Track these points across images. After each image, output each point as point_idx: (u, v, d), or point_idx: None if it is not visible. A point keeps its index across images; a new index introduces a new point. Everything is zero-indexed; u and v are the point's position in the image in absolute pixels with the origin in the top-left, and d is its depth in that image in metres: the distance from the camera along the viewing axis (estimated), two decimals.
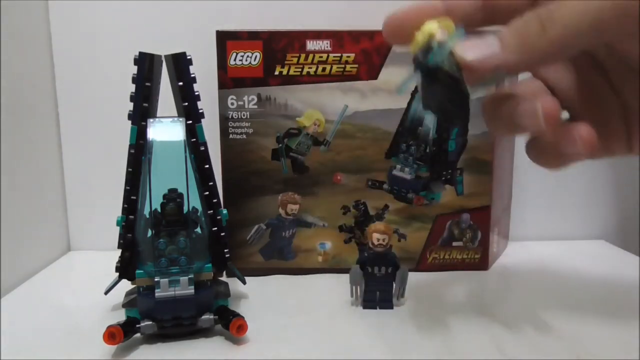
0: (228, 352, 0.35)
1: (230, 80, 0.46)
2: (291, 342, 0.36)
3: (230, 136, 0.47)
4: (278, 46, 0.46)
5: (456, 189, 0.49)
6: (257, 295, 0.44)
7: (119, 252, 0.38)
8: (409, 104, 0.47)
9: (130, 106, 0.37)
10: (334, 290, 0.44)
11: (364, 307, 0.41)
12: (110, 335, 0.33)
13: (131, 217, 0.37)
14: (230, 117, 0.47)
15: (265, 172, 0.48)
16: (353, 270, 0.41)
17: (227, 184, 0.48)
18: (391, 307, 0.41)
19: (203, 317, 0.36)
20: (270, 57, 0.46)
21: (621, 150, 0.27)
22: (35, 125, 0.53)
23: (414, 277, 0.42)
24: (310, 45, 0.46)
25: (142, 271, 0.36)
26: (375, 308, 0.41)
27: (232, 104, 0.47)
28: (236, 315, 0.35)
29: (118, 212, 0.38)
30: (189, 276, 0.35)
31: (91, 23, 0.55)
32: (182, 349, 0.35)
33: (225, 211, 0.39)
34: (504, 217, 0.55)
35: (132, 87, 0.37)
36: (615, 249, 0.58)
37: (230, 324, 0.35)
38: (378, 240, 0.40)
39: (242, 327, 0.35)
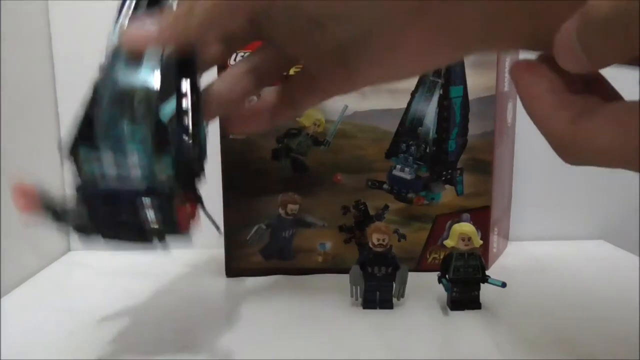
0: (228, 353, 0.35)
1: None
2: (291, 342, 0.36)
3: (230, 136, 0.47)
4: None
5: (456, 189, 0.49)
6: (257, 295, 0.44)
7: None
8: (409, 104, 0.47)
9: None
10: (334, 290, 0.44)
11: (364, 307, 0.41)
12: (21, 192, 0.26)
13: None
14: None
15: (265, 172, 0.48)
16: (353, 270, 0.41)
17: (227, 184, 0.48)
18: (391, 307, 0.41)
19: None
20: None
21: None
22: (35, 125, 0.53)
23: (414, 277, 0.42)
24: None
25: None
26: (375, 308, 0.41)
27: None
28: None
29: None
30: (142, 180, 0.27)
31: (91, 23, 0.55)
32: (182, 349, 0.35)
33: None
34: (504, 217, 0.55)
35: None
36: (615, 249, 0.58)
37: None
38: (378, 240, 0.40)
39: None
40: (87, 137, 0.27)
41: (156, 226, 0.26)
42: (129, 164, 0.26)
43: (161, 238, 0.28)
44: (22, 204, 0.27)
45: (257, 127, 0.31)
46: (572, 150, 0.19)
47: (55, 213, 0.28)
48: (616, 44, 0.17)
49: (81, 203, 0.27)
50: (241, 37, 0.30)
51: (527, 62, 0.21)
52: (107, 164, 0.26)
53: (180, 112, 0.27)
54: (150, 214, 0.26)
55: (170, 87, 0.27)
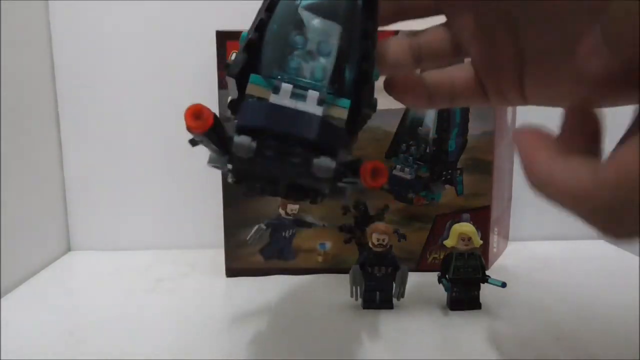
0: (228, 353, 0.35)
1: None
2: (291, 342, 0.36)
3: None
4: None
5: (456, 189, 0.49)
6: (257, 296, 0.44)
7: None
8: None
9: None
10: (334, 290, 0.44)
11: (364, 307, 0.41)
12: (195, 114, 0.23)
13: (263, 18, 0.26)
14: (230, 117, 0.47)
15: None
16: (353, 270, 0.41)
17: (227, 184, 0.48)
18: (391, 307, 0.41)
19: (322, 157, 0.23)
20: None
21: (516, 99, 0.28)
22: (35, 125, 0.53)
23: (414, 277, 0.42)
24: None
25: (259, 76, 0.25)
26: (375, 308, 0.41)
27: None
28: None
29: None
30: (320, 94, 0.24)
31: (91, 23, 0.55)
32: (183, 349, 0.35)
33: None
34: (504, 217, 0.55)
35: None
36: (615, 249, 0.58)
37: (360, 169, 0.24)
38: (378, 240, 0.40)
39: (379, 171, 0.24)
40: (256, 65, 0.25)
41: (330, 175, 0.23)
42: (307, 100, 0.24)
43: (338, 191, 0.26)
44: (194, 124, 0.23)
45: (414, 100, 0.29)
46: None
47: (222, 140, 0.24)
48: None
49: (246, 134, 0.23)
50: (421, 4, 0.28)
51: (529, 129, 0.22)
52: (282, 97, 0.24)
53: (367, 54, 0.26)
54: (326, 162, 0.23)
55: (355, 27, 0.25)
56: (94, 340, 0.36)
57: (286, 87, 0.24)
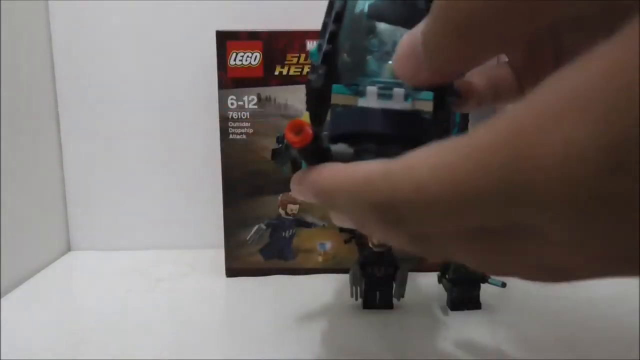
0: (228, 353, 0.35)
1: (230, 80, 0.47)
2: (291, 342, 0.36)
3: (230, 136, 0.47)
4: (278, 46, 0.46)
5: None
6: (257, 295, 0.44)
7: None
8: None
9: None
10: (334, 290, 0.44)
11: (364, 307, 0.41)
12: (295, 129, 0.23)
13: (334, 30, 0.27)
14: (230, 117, 0.47)
15: (265, 172, 0.48)
16: (353, 270, 0.41)
17: (227, 184, 0.48)
18: (391, 307, 0.41)
19: None
20: (270, 57, 0.46)
21: None
22: (35, 125, 0.53)
23: (414, 277, 0.42)
24: (310, 45, 0.46)
25: (341, 85, 0.26)
26: (375, 308, 0.41)
27: (232, 104, 0.47)
28: None
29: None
30: (406, 90, 0.25)
31: (91, 23, 0.55)
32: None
33: None
34: None
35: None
36: None
37: None
38: (378, 240, 0.40)
39: None
40: (334, 75, 0.26)
41: None
42: (394, 98, 0.25)
43: None
44: (295, 139, 0.24)
45: (470, 108, 0.29)
46: None
47: (320, 152, 0.25)
48: (466, 44, 0.16)
49: (341, 142, 0.24)
50: None
51: None
52: (370, 99, 0.25)
53: None
54: None
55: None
56: (94, 340, 0.36)
57: (371, 89, 0.25)
